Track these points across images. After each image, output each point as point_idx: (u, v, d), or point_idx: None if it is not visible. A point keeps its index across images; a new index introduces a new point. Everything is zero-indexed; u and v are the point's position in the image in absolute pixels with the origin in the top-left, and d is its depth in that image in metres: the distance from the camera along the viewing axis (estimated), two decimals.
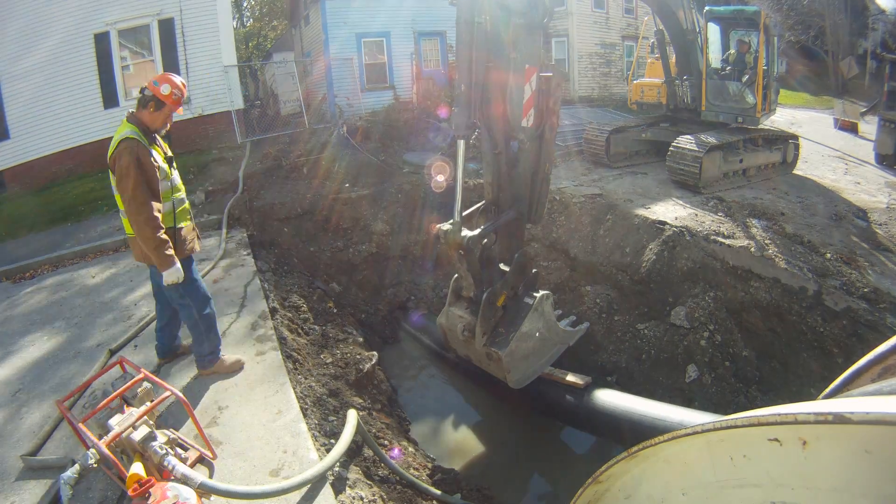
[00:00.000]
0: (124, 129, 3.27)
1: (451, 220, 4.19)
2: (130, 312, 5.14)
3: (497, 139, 4.36)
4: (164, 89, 3.29)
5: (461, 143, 4.10)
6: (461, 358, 5.13)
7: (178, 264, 3.28)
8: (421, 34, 14.81)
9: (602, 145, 9.72)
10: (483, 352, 4.45)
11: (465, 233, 4.10)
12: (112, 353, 4.37)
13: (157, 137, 3.49)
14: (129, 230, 3.41)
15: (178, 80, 3.40)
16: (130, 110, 3.39)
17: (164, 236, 3.23)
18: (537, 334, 4.68)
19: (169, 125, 3.57)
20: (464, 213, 4.35)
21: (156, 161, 3.32)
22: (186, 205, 3.64)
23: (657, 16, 9.41)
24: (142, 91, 3.33)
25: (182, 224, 3.53)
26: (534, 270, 4.91)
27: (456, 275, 4.68)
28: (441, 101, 12.43)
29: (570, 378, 4.85)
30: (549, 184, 4.84)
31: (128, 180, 3.14)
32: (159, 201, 3.32)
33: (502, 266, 4.73)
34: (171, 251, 3.26)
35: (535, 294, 4.68)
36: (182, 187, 3.64)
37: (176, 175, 3.57)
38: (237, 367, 3.96)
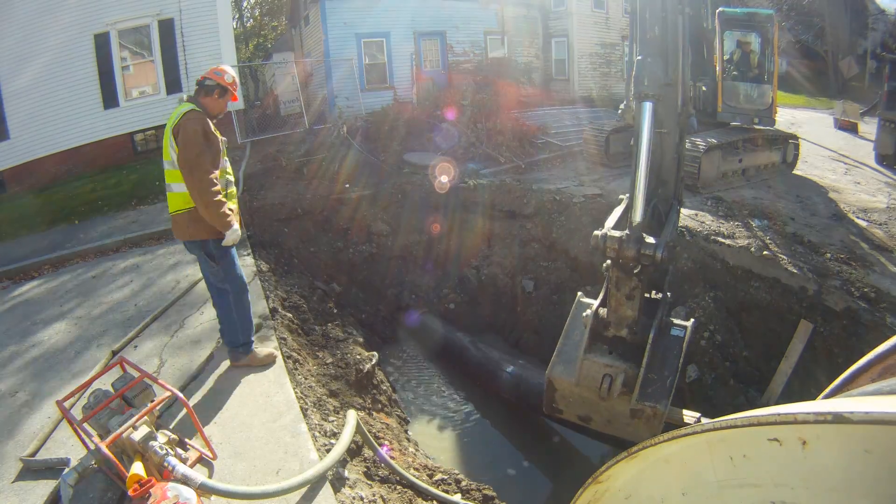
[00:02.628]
0: (187, 106, 3.41)
1: (614, 223, 3.27)
2: (131, 312, 5.14)
3: (668, 112, 3.37)
4: (228, 77, 3.52)
5: (648, 108, 3.06)
6: (562, 420, 4.01)
7: (237, 226, 3.42)
8: (421, 34, 14.82)
9: (601, 145, 9.73)
10: (627, 410, 3.37)
11: (651, 240, 3.01)
12: (114, 353, 4.37)
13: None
14: (177, 205, 3.50)
15: (230, 69, 3.63)
16: (186, 95, 3.57)
17: (225, 199, 3.38)
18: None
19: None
20: (613, 217, 3.41)
21: (218, 137, 3.50)
22: (233, 189, 3.74)
23: None
24: (201, 82, 3.52)
25: (231, 205, 3.61)
26: (668, 294, 3.84)
27: (594, 308, 3.51)
28: (442, 102, 12.43)
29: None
30: None
31: (194, 147, 3.25)
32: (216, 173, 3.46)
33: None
34: (231, 213, 3.40)
35: (681, 324, 3.65)
36: (231, 172, 3.75)
37: (226, 160, 3.72)
38: (270, 360, 3.97)
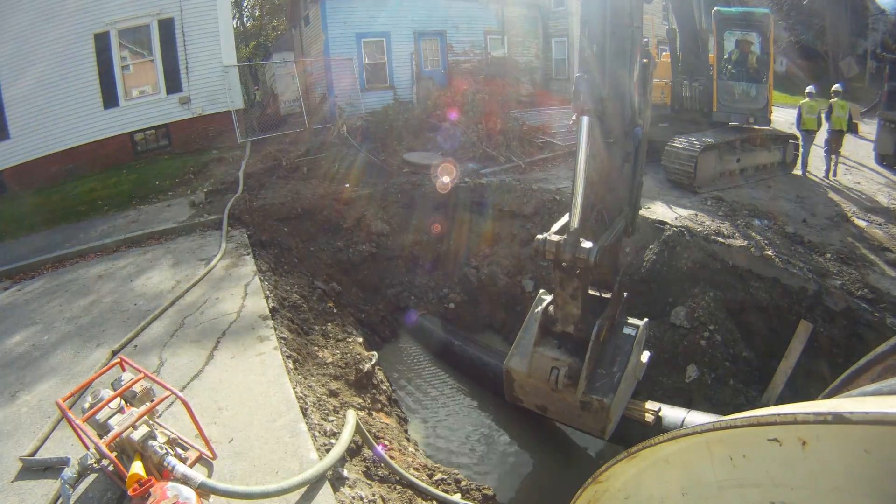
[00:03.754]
0: None
1: (558, 228, 3.42)
2: (130, 312, 5.14)
3: (614, 124, 3.50)
4: None
5: (585, 122, 3.25)
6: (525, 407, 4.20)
7: None
8: (421, 34, 14.80)
9: None
10: (576, 401, 3.57)
11: (587, 245, 3.18)
12: (114, 353, 4.37)
13: None
14: None
15: None
16: None
17: None
18: (632, 372, 3.82)
19: None
20: (560, 222, 3.57)
21: None
22: None
23: (674, 14, 9.43)
24: None
25: None
26: (624, 294, 4.07)
27: (543, 305, 3.77)
28: (442, 102, 12.42)
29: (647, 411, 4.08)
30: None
31: None
32: None
33: (595, 291, 3.87)
34: None
35: (633, 323, 3.88)
36: None
37: None
38: None
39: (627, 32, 3.39)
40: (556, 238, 3.27)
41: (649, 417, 4.09)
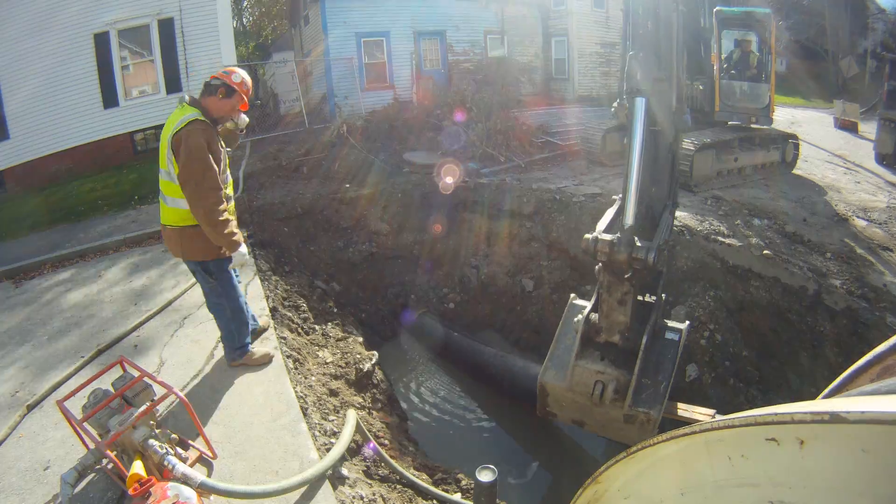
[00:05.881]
0: (188, 112, 3.04)
1: (606, 226, 3.17)
2: (130, 312, 5.14)
3: (661, 109, 3.21)
4: (235, 77, 3.21)
5: (640, 104, 2.96)
6: (561, 422, 3.96)
7: (245, 247, 3.12)
8: (421, 34, 14.80)
9: (597, 144, 9.73)
10: (620, 415, 3.30)
11: (643, 244, 2.89)
12: (99, 351, 4.37)
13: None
14: (171, 219, 3.28)
15: (246, 75, 3.32)
16: (188, 95, 3.21)
17: (232, 217, 3.06)
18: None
19: (234, 120, 3.45)
20: (605, 219, 3.31)
21: (222, 148, 3.23)
22: (232, 204, 3.53)
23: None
24: (207, 82, 3.21)
25: (232, 219, 3.37)
26: (664, 295, 3.76)
27: (585, 313, 3.44)
28: (442, 101, 12.42)
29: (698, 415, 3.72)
30: None
31: (198, 163, 2.94)
32: (222, 187, 3.20)
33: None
34: (238, 232, 3.11)
35: (674, 326, 3.59)
36: (231, 185, 3.51)
37: (228, 174, 3.46)
38: (266, 360, 3.94)
39: (676, 18, 3.18)
40: (608, 237, 2.94)
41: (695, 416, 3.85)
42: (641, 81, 2.99)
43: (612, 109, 3.36)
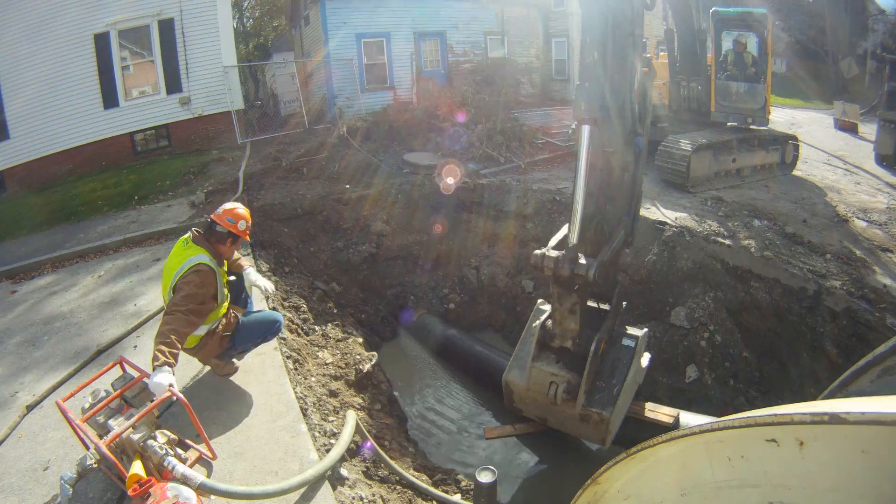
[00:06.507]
0: (193, 254, 3.31)
1: (556, 243, 3.39)
2: (130, 312, 5.14)
3: (614, 133, 3.44)
4: (241, 225, 3.51)
5: (586, 131, 3.17)
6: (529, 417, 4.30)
7: (167, 381, 2.82)
8: (421, 34, 14.80)
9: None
10: (577, 414, 3.60)
11: (585, 261, 3.14)
12: (99, 352, 4.37)
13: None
14: (190, 344, 3.45)
15: (242, 211, 3.56)
16: (194, 230, 3.46)
17: (172, 350, 2.98)
18: (632, 381, 3.82)
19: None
20: (558, 235, 3.55)
21: (219, 290, 3.40)
22: (222, 309, 3.55)
23: (672, 13, 9.43)
24: (212, 224, 3.46)
25: (219, 328, 3.56)
26: (623, 303, 4.05)
27: (542, 319, 3.78)
28: (442, 102, 12.43)
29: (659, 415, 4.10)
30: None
31: (186, 300, 3.14)
32: (201, 322, 3.32)
33: (594, 303, 3.87)
34: (169, 360, 2.94)
35: (632, 333, 3.87)
36: (227, 299, 3.64)
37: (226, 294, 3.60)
38: (231, 371, 3.94)
39: (629, 40, 3.34)
40: (554, 253, 3.23)
41: (667, 420, 4.11)
42: (586, 110, 3.15)
43: (570, 131, 3.49)
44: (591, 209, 3.60)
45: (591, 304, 3.85)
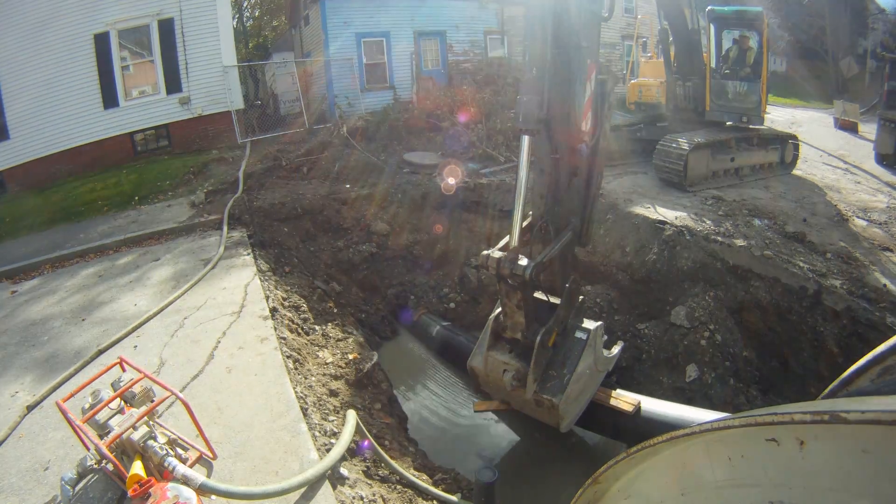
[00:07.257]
0: None
1: (503, 245, 3.58)
2: (130, 312, 5.14)
3: (558, 140, 3.65)
4: None
5: (526, 141, 3.41)
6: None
7: None
8: (421, 34, 14.79)
9: None
10: (532, 399, 3.89)
11: (524, 262, 3.41)
12: (100, 351, 4.37)
13: None
14: None
15: None
16: None
17: None
18: (588, 371, 4.09)
19: None
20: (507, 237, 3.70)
21: None
22: None
23: (663, 13, 9.41)
24: None
25: None
26: (581, 298, 4.28)
27: (496, 312, 4.07)
28: (442, 102, 12.42)
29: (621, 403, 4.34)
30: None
31: None
32: None
33: (545, 297, 4.09)
34: None
35: (586, 327, 4.11)
36: None
37: None
38: None
39: (575, 54, 3.45)
40: (497, 254, 3.52)
41: (628, 407, 4.36)
42: (524, 122, 3.36)
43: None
44: (538, 212, 3.91)
45: (549, 298, 4.07)
